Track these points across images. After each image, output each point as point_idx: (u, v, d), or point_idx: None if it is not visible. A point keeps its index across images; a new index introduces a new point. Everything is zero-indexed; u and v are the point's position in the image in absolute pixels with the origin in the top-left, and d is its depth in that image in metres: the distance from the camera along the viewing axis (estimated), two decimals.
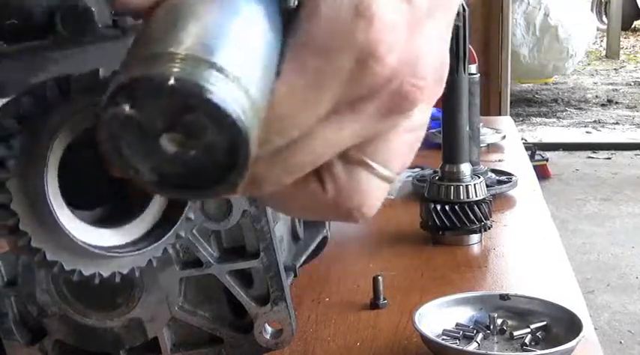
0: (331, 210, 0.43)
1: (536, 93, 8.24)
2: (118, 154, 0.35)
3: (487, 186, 1.43)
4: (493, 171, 1.72)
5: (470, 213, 1.35)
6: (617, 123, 7.17)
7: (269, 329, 0.91)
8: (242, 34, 0.37)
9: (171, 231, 0.68)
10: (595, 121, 7.21)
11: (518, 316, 1.04)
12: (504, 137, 2.10)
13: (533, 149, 4.94)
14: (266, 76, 0.37)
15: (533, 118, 7.37)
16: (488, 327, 1.02)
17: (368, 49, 0.38)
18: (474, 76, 1.69)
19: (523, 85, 8.15)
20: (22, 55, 0.84)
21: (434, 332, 0.99)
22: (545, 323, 1.02)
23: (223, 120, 0.34)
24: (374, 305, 1.14)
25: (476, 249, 1.37)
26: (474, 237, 1.38)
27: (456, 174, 1.38)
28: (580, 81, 8.96)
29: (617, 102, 7.92)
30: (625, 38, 11.00)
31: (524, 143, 2.49)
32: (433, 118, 2.22)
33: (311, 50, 0.38)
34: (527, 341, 0.99)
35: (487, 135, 2.05)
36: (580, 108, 7.72)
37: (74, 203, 0.65)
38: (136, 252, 0.67)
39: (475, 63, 1.73)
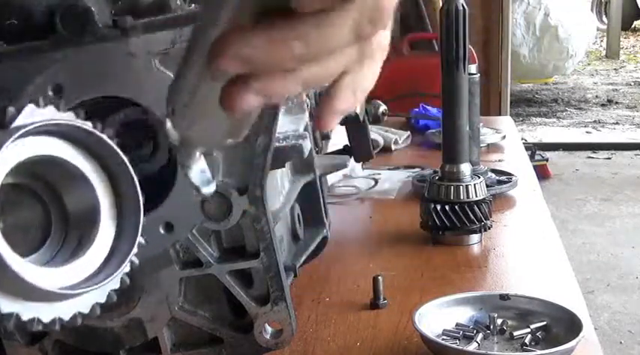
0: None
1: (536, 93, 8.24)
2: None
3: (487, 186, 1.43)
4: (493, 171, 1.72)
5: (470, 213, 1.35)
6: (617, 123, 7.17)
7: (269, 329, 0.91)
8: None
9: (126, 262, 0.66)
10: (595, 121, 7.21)
11: (518, 316, 1.04)
12: (504, 137, 2.10)
13: (533, 149, 4.94)
14: None
15: (533, 118, 7.37)
16: (488, 327, 1.02)
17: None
18: (474, 76, 1.69)
19: (523, 85, 8.15)
20: (22, 55, 0.84)
21: (434, 332, 0.99)
22: (545, 323, 1.02)
23: None
24: (374, 305, 1.14)
25: (476, 249, 1.37)
26: (474, 237, 1.38)
27: (456, 174, 1.38)
28: (580, 81, 8.96)
29: (617, 102, 7.92)
30: (625, 38, 11.00)
31: (524, 143, 2.49)
32: (433, 118, 2.22)
33: None
34: (527, 341, 0.99)
35: (487, 135, 2.05)
36: (580, 108, 7.72)
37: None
38: (93, 287, 0.63)
39: (475, 63, 1.73)
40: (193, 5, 0.91)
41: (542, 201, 1.65)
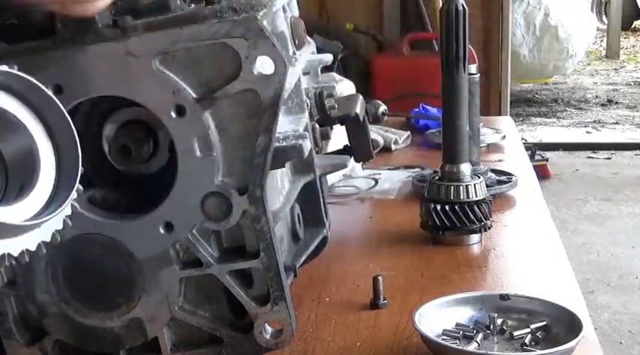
0: None
1: (536, 93, 8.24)
2: None
3: (487, 186, 1.43)
4: (493, 171, 1.72)
5: (470, 213, 1.35)
6: (617, 123, 7.17)
7: (269, 329, 0.91)
8: None
9: (66, 203, 0.68)
10: (595, 121, 7.21)
11: (518, 316, 1.04)
12: (504, 137, 2.10)
13: (533, 149, 4.94)
14: None
15: (533, 118, 7.36)
16: (488, 327, 1.02)
17: None
18: (474, 76, 1.69)
19: (523, 85, 8.15)
20: (22, 55, 0.84)
21: (434, 332, 0.99)
22: (545, 323, 1.02)
23: None
24: (374, 305, 1.14)
25: (476, 249, 1.37)
26: (474, 237, 1.38)
27: (456, 174, 1.38)
28: (580, 81, 8.96)
29: (617, 102, 7.92)
30: (625, 38, 11.00)
31: (524, 143, 2.49)
32: (433, 118, 2.22)
33: None
34: (527, 341, 0.99)
35: (487, 135, 2.05)
36: (580, 108, 7.72)
37: None
38: (37, 221, 0.66)
39: (475, 63, 1.73)
40: (193, 5, 0.91)
41: (542, 201, 1.65)
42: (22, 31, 0.85)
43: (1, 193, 0.66)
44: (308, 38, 1.11)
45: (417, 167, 1.87)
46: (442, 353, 0.98)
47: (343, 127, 1.26)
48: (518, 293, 1.07)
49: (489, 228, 1.38)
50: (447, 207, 1.35)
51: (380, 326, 1.09)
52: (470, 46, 1.38)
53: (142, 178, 0.93)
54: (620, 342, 3.35)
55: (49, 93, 0.68)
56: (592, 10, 10.14)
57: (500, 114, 4.34)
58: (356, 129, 1.26)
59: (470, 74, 1.47)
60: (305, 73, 1.10)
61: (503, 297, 1.06)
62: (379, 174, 1.81)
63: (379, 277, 1.14)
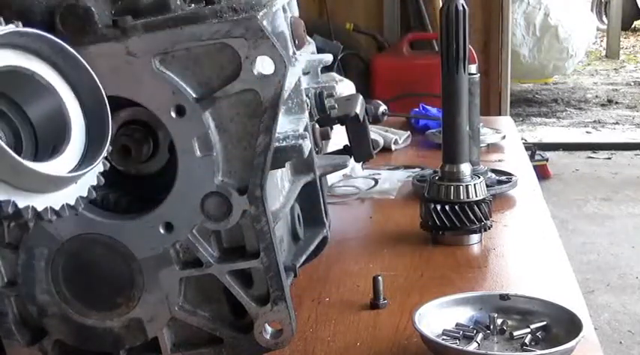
0: None
1: (536, 93, 8.23)
2: None
3: (487, 186, 1.43)
4: (493, 171, 1.72)
5: (470, 213, 1.35)
6: (617, 123, 7.17)
7: (269, 329, 0.91)
8: None
9: (99, 159, 0.71)
10: (595, 121, 7.21)
11: (518, 316, 1.04)
12: (504, 137, 2.10)
13: (533, 149, 4.93)
14: None
15: (533, 118, 7.36)
16: (488, 327, 1.02)
17: None
18: (474, 76, 1.69)
19: (523, 84, 8.15)
20: None
21: (434, 332, 0.99)
22: (545, 323, 1.02)
23: None
24: (374, 305, 1.14)
25: (476, 249, 1.37)
26: (474, 237, 1.38)
27: (456, 174, 1.38)
28: (580, 81, 8.96)
29: (617, 102, 7.91)
30: (625, 38, 10.99)
31: (524, 143, 2.49)
32: (433, 118, 2.22)
33: None
34: (527, 341, 0.99)
35: (487, 135, 2.05)
36: (580, 108, 7.71)
37: None
38: (77, 173, 0.68)
39: (475, 63, 1.73)
40: (193, 5, 0.91)
41: (542, 201, 1.65)
42: None
43: (33, 155, 0.68)
44: (308, 38, 1.11)
45: (417, 167, 1.87)
46: (442, 353, 0.98)
47: (343, 127, 1.26)
48: (518, 293, 1.07)
49: (489, 228, 1.38)
50: (447, 207, 1.35)
51: (380, 326, 1.09)
52: (470, 46, 1.38)
53: (142, 178, 0.93)
54: (620, 342, 3.35)
55: (76, 55, 0.70)
56: (592, 10, 10.14)
57: (500, 114, 4.33)
58: (356, 129, 1.26)
59: (470, 74, 1.47)
60: (305, 73, 1.10)
61: (503, 297, 1.06)
62: (379, 174, 1.81)
63: (379, 277, 1.14)
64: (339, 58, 4.10)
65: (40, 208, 0.66)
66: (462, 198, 1.36)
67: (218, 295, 0.91)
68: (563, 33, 7.42)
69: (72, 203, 0.69)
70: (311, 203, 1.12)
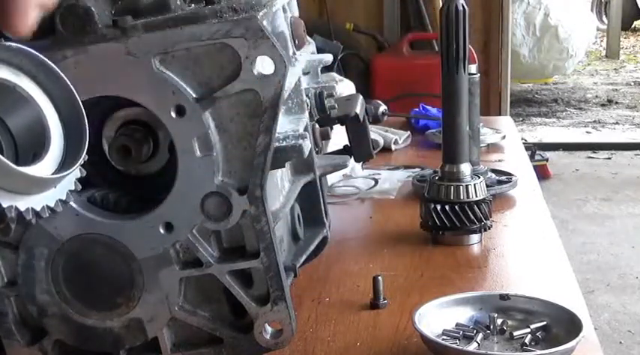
0: None
1: (536, 93, 8.23)
2: None
3: (487, 186, 1.43)
4: (493, 171, 1.72)
5: (470, 213, 1.35)
6: (617, 123, 7.17)
7: (269, 329, 0.91)
8: None
9: (76, 165, 0.74)
10: (595, 121, 7.21)
11: (518, 316, 1.04)
12: (504, 137, 2.10)
13: (533, 149, 4.94)
14: None
15: (533, 118, 7.36)
16: (488, 327, 1.02)
17: None
18: (474, 76, 1.69)
19: (523, 84, 8.15)
20: None
21: (434, 332, 0.99)
22: (545, 323, 1.02)
23: None
24: (374, 305, 1.14)
25: (476, 249, 1.37)
26: (474, 237, 1.38)
27: (456, 174, 1.38)
28: (580, 81, 8.96)
29: (617, 102, 7.92)
30: (625, 38, 10.99)
31: (524, 143, 2.49)
32: (433, 118, 2.22)
33: None
34: (527, 341, 0.99)
35: (487, 135, 2.05)
36: (580, 108, 7.72)
37: None
38: (59, 175, 0.72)
39: (475, 63, 1.73)
40: (193, 5, 0.91)
41: (542, 201, 1.65)
42: None
43: (14, 161, 0.70)
44: (308, 38, 1.11)
45: (417, 167, 1.87)
46: (442, 353, 0.98)
47: (343, 127, 1.26)
48: (518, 293, 1.07)
49: (489, 228, 1.38)
50: (447, 207, 1.35)
51: (380, 326, 1.09)
52: (470, 46, 1.38)
53: (142, 178, 0.93)
54: (620, 342, 3.35)
55: (55, 68, 0.74)
56: (592, 10, 10.14)
57: (500, 114, 4.34)
58: (356, 129, 1.26)
59: (470, 74, 1.47)
60: (305, 73, 1.10)
61: (503, 297, 1.06)
62: (379, 174, 1.81)
63: (379, 277, 1.14)
64: (339, 58, 4.10)
65: (22, 208, 0.69)
66: (462, 198, 1.36)
67: (218, 295, 0.91)
68: (563, 33, 7.42)
69: (52, 205, 0.72)
70: (311, 203, 1.12)
